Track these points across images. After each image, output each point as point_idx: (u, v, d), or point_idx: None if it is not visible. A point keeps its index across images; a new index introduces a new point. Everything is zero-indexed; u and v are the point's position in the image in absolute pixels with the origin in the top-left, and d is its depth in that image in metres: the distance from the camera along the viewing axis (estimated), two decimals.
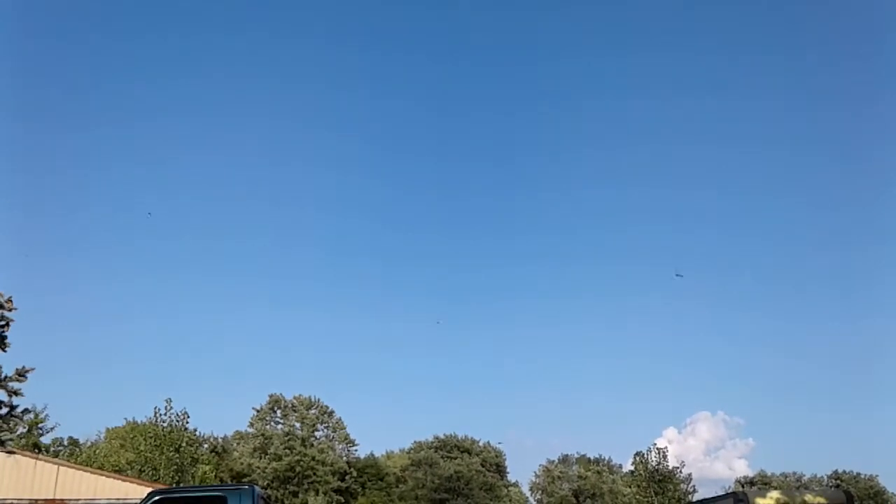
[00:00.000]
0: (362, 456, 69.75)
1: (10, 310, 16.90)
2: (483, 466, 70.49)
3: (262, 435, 64.68)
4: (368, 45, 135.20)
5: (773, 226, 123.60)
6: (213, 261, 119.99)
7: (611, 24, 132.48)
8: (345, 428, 68.56)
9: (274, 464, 61.56)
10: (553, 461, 78.47)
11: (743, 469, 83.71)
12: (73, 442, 59.21)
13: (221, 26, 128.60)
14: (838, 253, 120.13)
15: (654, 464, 53.39)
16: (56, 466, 25.08)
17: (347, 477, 64.88)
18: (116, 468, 39.50)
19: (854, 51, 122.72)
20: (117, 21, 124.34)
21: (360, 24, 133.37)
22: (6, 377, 17.24)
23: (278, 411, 67.85)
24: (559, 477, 75.18)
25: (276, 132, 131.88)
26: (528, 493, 76.21)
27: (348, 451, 68.40)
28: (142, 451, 41.23)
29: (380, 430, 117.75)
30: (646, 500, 52.99)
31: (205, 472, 45.76)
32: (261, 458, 62.58)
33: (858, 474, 70.83)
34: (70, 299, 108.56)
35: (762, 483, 69.02)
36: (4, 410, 17.56)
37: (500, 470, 74.21)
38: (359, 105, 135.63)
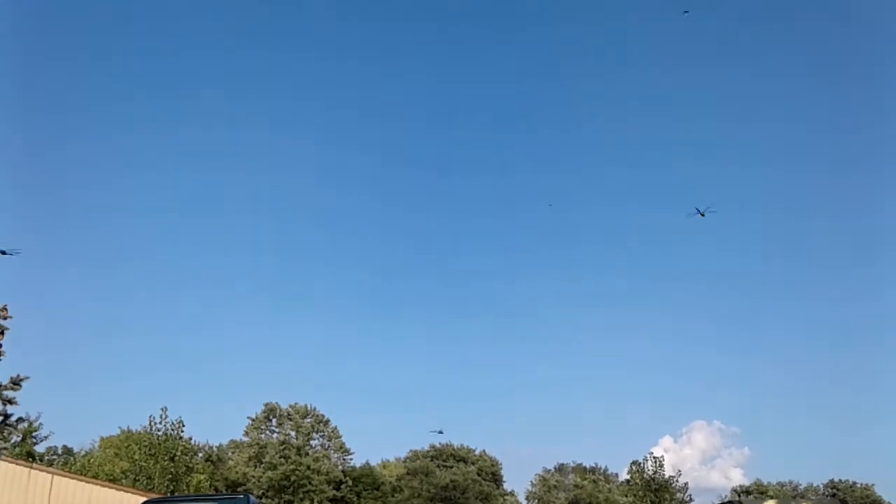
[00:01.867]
0: (358, 465, 69.65)
1: (4, 318, 16.84)
2: (479, 475, 70.36)
3: (258, 444, 64.45)
4: (368, 60, 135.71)
5: (769, 237, 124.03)
6: (208, 271, 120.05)
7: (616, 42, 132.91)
8: (340, 437, 68.45)
9: (269, 473, 61.33)
10: (549, 470, 78.44)
11: (739, 478, 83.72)
12: (68, 451, 58.95)
13: (224, 43, 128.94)
14: (834, 263, 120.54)
15: (650, 473, 53.33)
16: (50, 476, 24.87)
17: (343, 486, 64.62)
18: (111, 477, 39.30)
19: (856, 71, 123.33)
20: (118, 33, 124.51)
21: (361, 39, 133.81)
22: (0, 386, 17.18)
23: (273, 420, 67.65)
24: (555, 486, 75.10)
25: (273, 145, 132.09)
26: (524, 503, 76.13)
27: (344, 459, 68.25)
28: (136, 460, 41.00)
29: (375, 439, 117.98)
30: None
31: (199, 482, 45.52)
32: (256, 467, 62.35)
33: (854, 483, 70.95)
34: (65, 308, 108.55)
35: (758, 492, 68.94)
36: None
37: (497, 479, 74.08)
38: (357, 120, 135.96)
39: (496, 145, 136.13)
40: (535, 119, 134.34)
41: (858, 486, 70.35)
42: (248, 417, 67.29)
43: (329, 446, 67.64)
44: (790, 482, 73.59)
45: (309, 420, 67.32)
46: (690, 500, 55.35)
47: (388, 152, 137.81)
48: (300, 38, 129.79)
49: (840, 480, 71.68)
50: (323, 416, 68.11)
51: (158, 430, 41.94)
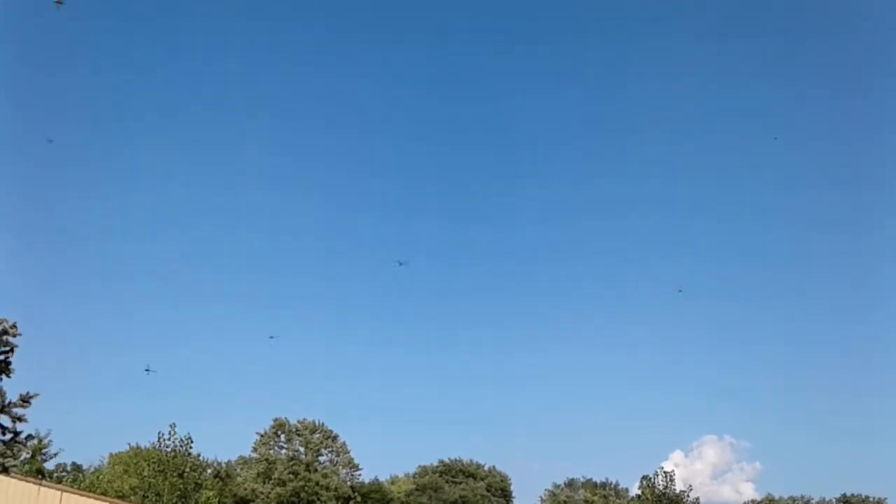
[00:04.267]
0: (367, 481, 69.39)
1: (14, 335, 17.00)
2: (488, 491, 69.98)
3: (266, 460, 64.33)
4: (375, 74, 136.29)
5: (778, 253, 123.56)
6: (216, 288, 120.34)
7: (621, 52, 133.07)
8: (349, 452, 68.25)
9: (278, 489, 61.16)
10: (559, 486, 77.96)
11: (750, 493, 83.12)
12: (77, 468, 59.06)
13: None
14: (844, 275, 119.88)
15: (661, 488, 53.06)
16: (59, 493, 24.96)
17: (352, 502, 64.41)
18: (120, 494, 39.37)
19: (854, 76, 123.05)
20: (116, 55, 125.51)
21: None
22: (10, 403, 17.31)
23: (282, 435, 67.52)
24: (565, 501, 74.58)
25: (274, 165, 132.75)
26: None
27: (352, 475, 67.99)
28: (145, 476, 41.09)
29: (384, 455, 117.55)
30: None
31: (208, 498, 45.55)
32: (265, 483, 62.20)
33: (867, 497, 70.23)
34: (74, 326, 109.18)
35: None
36: (8, 436, 17.60)
37: (506, 495, 73.64)
38: (357, 136, 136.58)
39: (497, 154, 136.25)
40: (535, 130, 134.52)
41: (871, 499, 69.63)
42: (257, 433, 67.26)
43: (338, 462, 67.44)
44: (802, 496, 73.07)
45: (317, 435, 67.17)
46: None
47: (388, 164, 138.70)
48: (301, 52, 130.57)
49: (852, 494, 70.97)
50: (331, 431, 68.00)
51: (167, 447, 42.07)
